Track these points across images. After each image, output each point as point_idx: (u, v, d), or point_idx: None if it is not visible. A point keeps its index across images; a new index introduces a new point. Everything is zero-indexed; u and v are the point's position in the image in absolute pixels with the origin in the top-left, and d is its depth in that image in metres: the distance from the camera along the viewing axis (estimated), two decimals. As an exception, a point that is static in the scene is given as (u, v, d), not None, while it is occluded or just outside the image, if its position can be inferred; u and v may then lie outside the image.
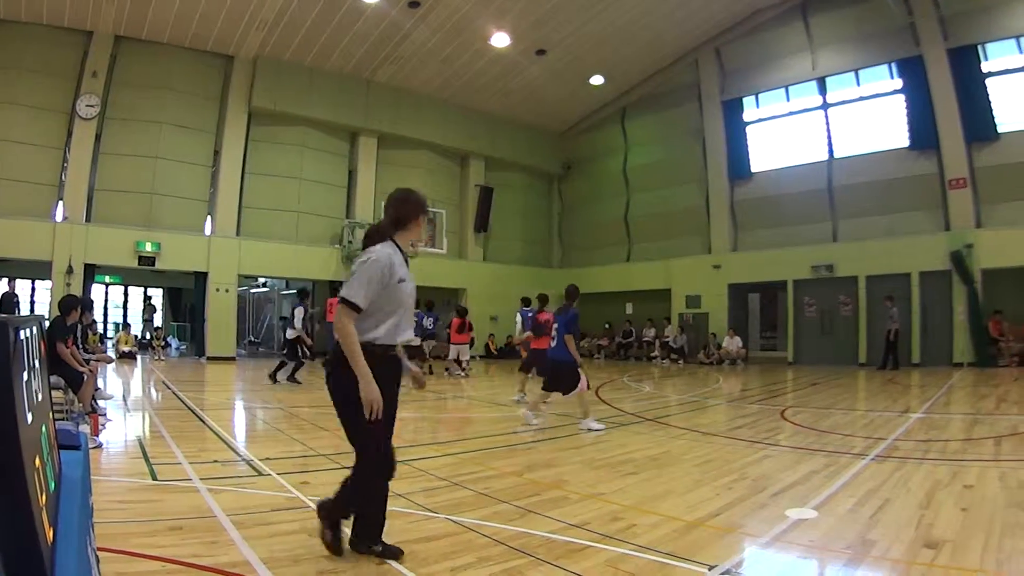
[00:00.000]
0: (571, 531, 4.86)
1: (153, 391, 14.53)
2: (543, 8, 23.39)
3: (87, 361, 9.50)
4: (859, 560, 4.25)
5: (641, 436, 9.45)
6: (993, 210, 21.27)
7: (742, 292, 28.04)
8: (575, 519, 5.17)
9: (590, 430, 9.70)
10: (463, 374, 19.66)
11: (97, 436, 7.80)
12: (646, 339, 29.30)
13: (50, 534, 1.56)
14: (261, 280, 31.46)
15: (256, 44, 23.33)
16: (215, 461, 7.12)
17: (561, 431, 10.03)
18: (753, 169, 27.31)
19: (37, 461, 1.55)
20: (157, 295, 37.10)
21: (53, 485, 1.90)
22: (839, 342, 24.16)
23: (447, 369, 20.29)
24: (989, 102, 21.46)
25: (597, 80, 29.25)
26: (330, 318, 19.81)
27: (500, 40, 24.76)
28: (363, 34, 23.53)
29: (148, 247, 22.03)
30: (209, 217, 24.05)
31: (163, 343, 25.30)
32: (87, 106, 21.28)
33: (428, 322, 20.12)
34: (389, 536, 4.49)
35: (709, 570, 4.05)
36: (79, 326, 10.46)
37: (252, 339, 31.96)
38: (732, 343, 25.68)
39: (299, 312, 15.20)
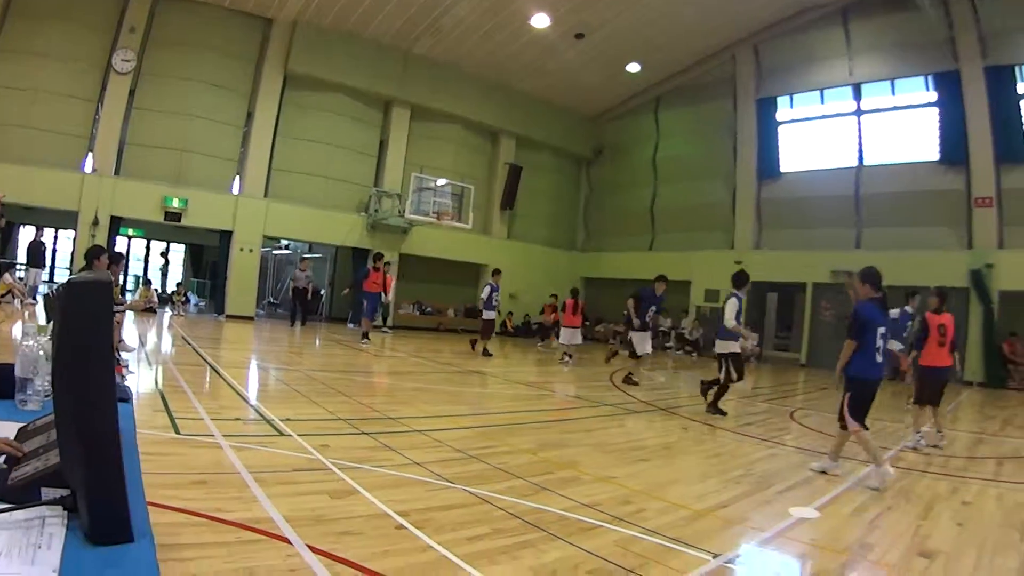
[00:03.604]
0: (583, 510, 5.04)
1: (173, 346, 14.71)
2: (585, -9, 23.33)
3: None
4: (856, 562, 4.45)
5: (653, 424, 9.66)
6: (1017, 232, 21.15)
7: (761, 290, 28.01)
8: (587, 499, 5.35)
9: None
10: (570, 362, 18.33)
11: (121, 387, 7.93)
12: (662, 329, 29.36)
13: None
14: (284, 242, 31.56)
15: (297, 7, 23.27)
16: (237, 419, 7.30)
17: (572, 413, 10.24)
18: (782, 169, 27.21)
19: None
20: (179, 251, 37.32)
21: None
22: (853, 348, 24.11)
23: (566, 355, 18.78)
24: (1021, 124, 21.39)
25: (634, 67, 29.11)
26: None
27: (540, 21, 24.69)
28: (405, 3, 23.43)
29: (175, 203, 22.09)
30: (238, 177, 24.11)
31: (183, 299, 25.51)
32: (123, 60, 21.32)
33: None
34: (406, 503, 4.74)
35: (713, 558, 4.24)
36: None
37: (271, 300, 32.17)
38: (747, 341, 25.71)
39: (732, 305, 11.02)
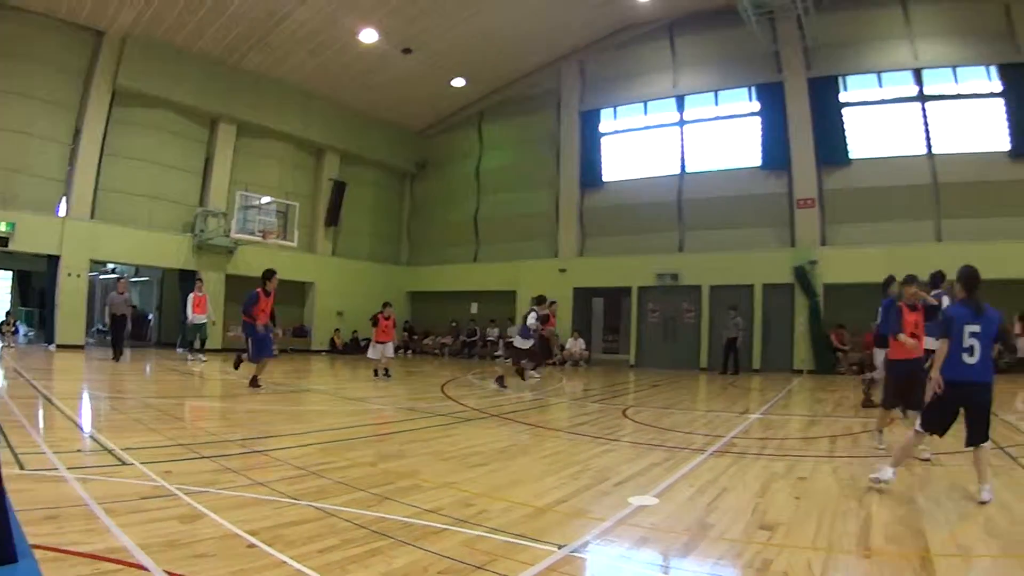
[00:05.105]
0: (427, 516, 5.02)
1: (6, 379, 13.91)
2: (415, 8, 23.40)
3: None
4: (698, 540, 4.59)
5: (488, 431, 9.68)
6: (838, 229, 22.73)
7: (587, 296, 28.72)
8: (430, 505, 5.33)
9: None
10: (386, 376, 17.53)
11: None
12: (490, 338, 29.63)
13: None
14: (111, 266, 30.16)
15: (130, 19, 22.18)
16: (78, 451, 6.97)
17: (407, 425, 10.16)
18: (605, 178, 28.09)
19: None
20: (6, 278, 35.31)
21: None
22: (681, 347, 25.03)
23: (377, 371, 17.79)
24: (843, 130, 23.00)
25: (459, 82, 29.48)
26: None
27: (368, 36, 24.69)
28: (236, 17, 22.79)
29: (2, 227, 20.75)
30: (64, 198, 22.81)
31: (13, 329, 24.08)
32: (-51, 72, 19.90)
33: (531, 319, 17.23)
34: (254, 522, 4.63)
35: (559, 548, 4.29)
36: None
37: (100, 327, 30.67)
38: (575, 345, 26.24)
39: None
